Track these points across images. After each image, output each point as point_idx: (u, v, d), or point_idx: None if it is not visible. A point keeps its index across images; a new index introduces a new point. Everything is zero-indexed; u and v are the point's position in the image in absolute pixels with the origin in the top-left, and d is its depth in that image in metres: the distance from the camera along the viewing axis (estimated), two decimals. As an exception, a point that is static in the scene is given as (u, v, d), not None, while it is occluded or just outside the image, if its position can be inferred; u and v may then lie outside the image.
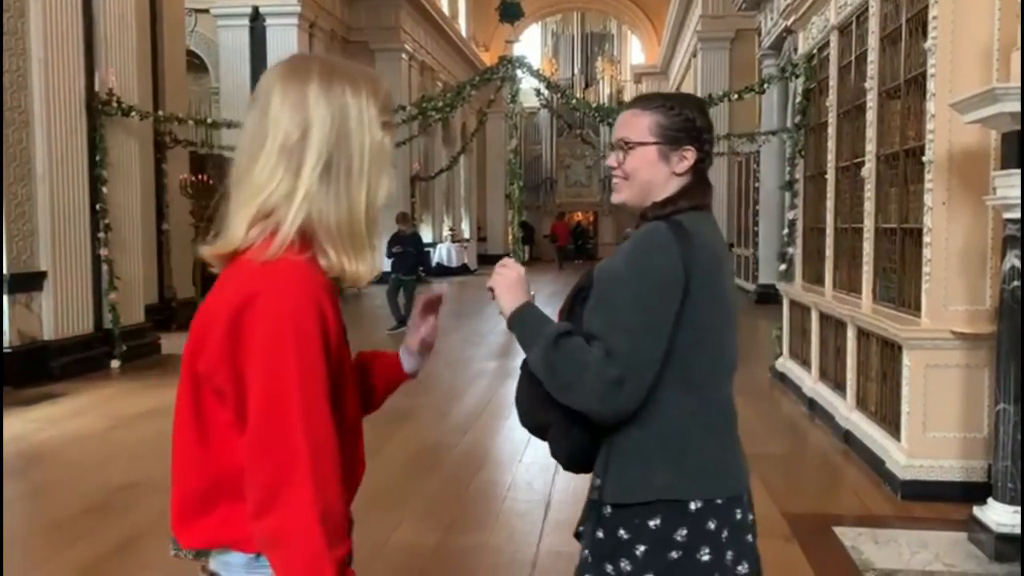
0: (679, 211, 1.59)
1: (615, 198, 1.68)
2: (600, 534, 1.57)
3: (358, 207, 1.22)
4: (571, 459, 1.65)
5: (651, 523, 1.53)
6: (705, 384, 1.59)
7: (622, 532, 1.55)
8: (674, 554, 1.52)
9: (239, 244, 1.19)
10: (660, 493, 1.54)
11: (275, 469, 1.11)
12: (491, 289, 1.62)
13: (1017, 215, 3.54)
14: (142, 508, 4.31)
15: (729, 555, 1.57)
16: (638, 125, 1.62)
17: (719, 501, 1.56)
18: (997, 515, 3.65)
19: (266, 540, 1.13)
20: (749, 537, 1.62)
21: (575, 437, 1.59)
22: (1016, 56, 3.69)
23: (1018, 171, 3.47)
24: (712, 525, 1.54)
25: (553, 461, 1.69)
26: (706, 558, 1.54)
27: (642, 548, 1.53)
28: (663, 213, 1.58)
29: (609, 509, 1.56)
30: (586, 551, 1.60)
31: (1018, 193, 3.47)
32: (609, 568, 1.56)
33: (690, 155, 1.61)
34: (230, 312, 1.13)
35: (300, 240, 1.19)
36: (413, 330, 1.56)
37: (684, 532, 1.53)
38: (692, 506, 1.54)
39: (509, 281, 1.62)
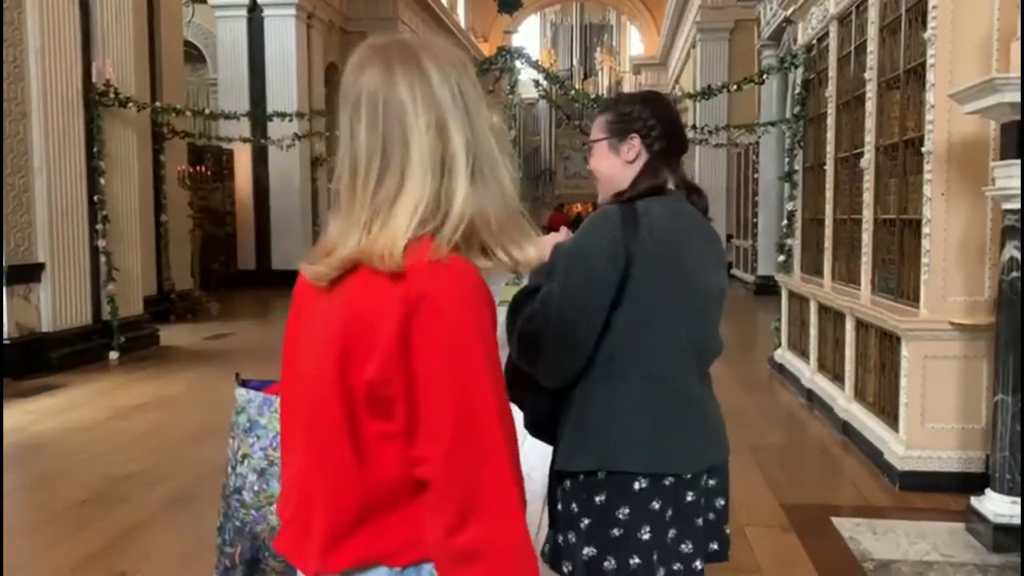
0: (637, 196, 1.71)
1: (600, 195, 1.85)
2: (559, 506, 1.72)
3: (510, 192, 1.13)
4: (535, 426, 1.81)
5: (597, 499, 1.65)
6: (652, 364, 1.67)
7: (573, 506, 1.67)
8: (616, 531, 1.63)
9: (404, 239, 1.05)
10: (599, 462, 1.64)
11: (476, 475, 1.03)
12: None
13: (1016, 206, 3.53)
14: (141, 499, 4.32)
15: (671, 533, 1.67)
16: (595, 127, 1.83)
17: (666, 483, 1.64)
18: (995, 505, 3.65)
19: (466, 554, 1.02)
20: (700, 520, 1.70)
21: (538, 406, 1.75)
22: (1016, 46, 3.68)
23: (1018, 162, 3.46)
24: (656, 505, 1.64)
25: (550, 448, 1.79)
26: (646, 536, 1.63)
27: (586, 522, 1.65)
28: (620, 200, 1.72)
29: (568, 484, 1.68)
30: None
31: (1017, 184, 3.46)
32: (559, 538, 1.71)
33: (636, 143, 1.78)
34: (399, 316, 1.02)
35: (457, 244, 1.08)
36: None
37: (627, 511, 1.63)
38: (636, 486, 1.63)
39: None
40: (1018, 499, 3.57)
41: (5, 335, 7.28)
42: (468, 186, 1.08)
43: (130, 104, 8.72)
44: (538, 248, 1.16)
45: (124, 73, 8.81)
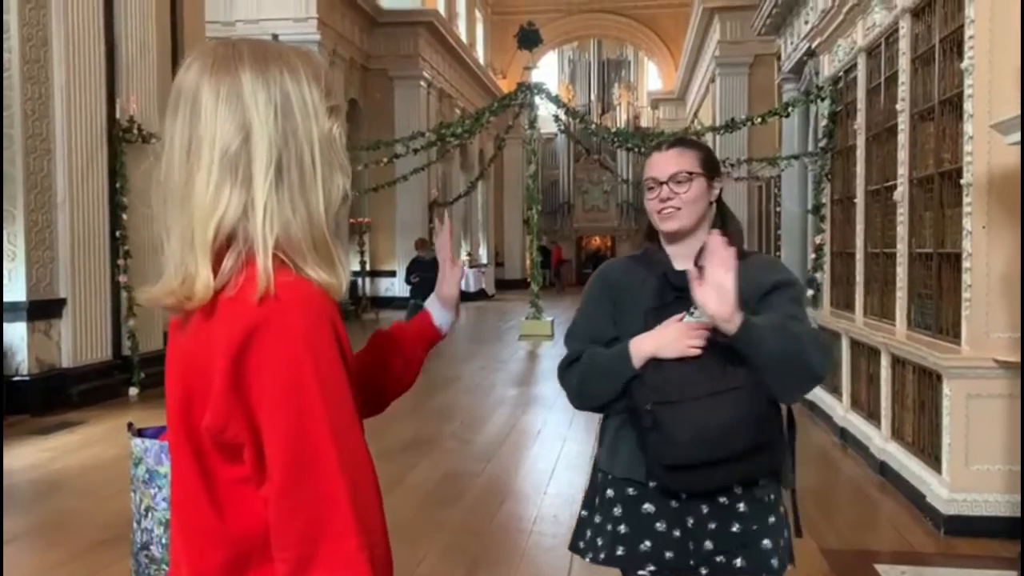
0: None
1: (671, 225, 1.85)
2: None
3: (318, 211, 1.03)
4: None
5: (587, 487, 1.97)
6: None
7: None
8: (583, 512, 1.95)
9: (213, 284, 0.99)
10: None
11: (311, 520, 0.95)
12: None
13: (1066, 239, 3.40)
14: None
15: (623, 528, 1.82)
16: (690, 159, 1.85)
17: (611, 476, 1.87)
18: (1048, 552, 3.48)
19: None
20: (659, 525, 1.80)
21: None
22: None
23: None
24: (610, 493, 1.86)
25: (578, 492, 1.81)
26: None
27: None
28: (742, 245, 1.84)
29: (772, 496, 1.83)
30: None
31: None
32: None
33: (718, 185, 1.89)
34: (229, 354, 0.96)
35: (276, 259, 1.01)
36: (444, 279, 1.49)
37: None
38: (599, 476, 1.91)
39: (730, 292, 1.63)
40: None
41: (26, 371, 7.24)
42: (271, 198, 1.00)
43: (153, 140, 8.75)
44: (340, 281, 1.05)
45: (148, 109, 8.86)
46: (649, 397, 1.70)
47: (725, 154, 11.51)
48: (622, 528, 1.81)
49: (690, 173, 1.82)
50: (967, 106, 4.24)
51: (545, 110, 14.02)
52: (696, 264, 1.74)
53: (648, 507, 1.79)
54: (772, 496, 1.81)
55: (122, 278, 8.32)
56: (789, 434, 1.80)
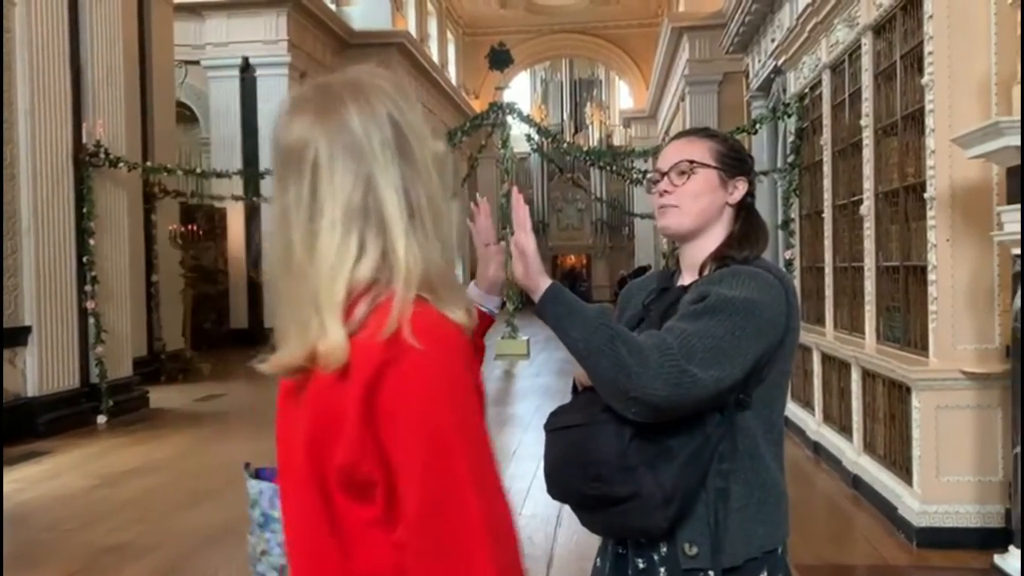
0: (756, 256, 1.53)
1: (666, 222, 1.57)
2: None
3: (449, 242, 1.01)
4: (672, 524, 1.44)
5: None
6: (779, 429, 1.55)
7: None
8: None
9: (345, 342, 0.94)
10: (763, 545, 1.47)
11: (449, 564, 0.92)
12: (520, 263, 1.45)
13: (1028, 251, 3.44)
14: (126, 572, 4.12)
15: None
16: (698, 149, 1.55)
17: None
18: (1019, 563, 3.50)
19: None
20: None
21: (675, 501, 1.40)
22: (1016, 90, 3.63)
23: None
24: (787, 561, 1.54)
25: (553, 513, 1.65)
26: None
27: None
28: (739, 259, 1.51)
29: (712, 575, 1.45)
30: None
31: (1028, 228, 3.38)
32: None
33: (741, 186, 1.57)
34: (360, 391, 0.93)
35: (417, 298, 0.97)
36: (489, 262, 1.45)
37: None
38: (779, 550, 1.51)
39: (532, 257, 1.44)
40: (1045, 556, 3.42)
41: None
42: (406, 241, 0.97)
43: (121, 164, 8.67)
44: (470, 316, 1.01)
45: (115, 133, 8.78)
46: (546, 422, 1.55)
47: (696, 171, 11.60)
48: None
49: (692, 163, 1.53)
50: (928, 121, 4.29)
51: (518, 129, 14.06)
52: (700, 274, 1.52)
53: (609, 546, 1.58)
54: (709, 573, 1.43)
55: (89, 304, 8.20)
56: (718, 503, 1.42)
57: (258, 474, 1.44)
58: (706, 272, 1.53)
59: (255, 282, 15.85)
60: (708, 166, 1.54)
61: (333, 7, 18.32)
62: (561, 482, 1.48)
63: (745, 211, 1.58)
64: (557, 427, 1.50)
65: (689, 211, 1.54)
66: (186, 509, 5.17)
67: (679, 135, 1.64)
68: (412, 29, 21.44)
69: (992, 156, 3.64)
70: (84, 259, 8.17)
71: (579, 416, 1.47)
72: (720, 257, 1.53)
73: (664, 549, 1.46)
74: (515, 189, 1.55)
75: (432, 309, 0.96)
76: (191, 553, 4.37)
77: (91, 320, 8.23)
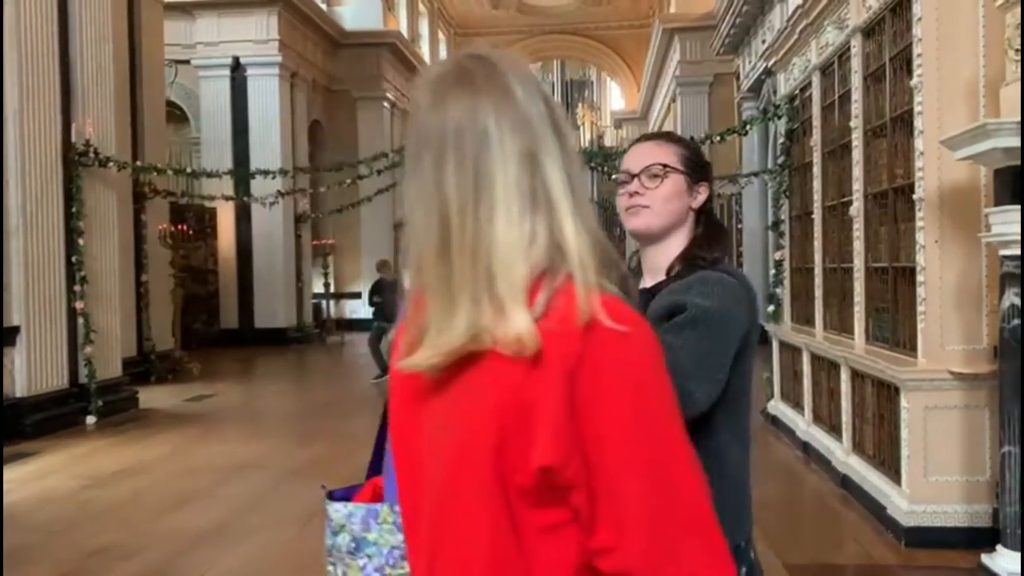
0: (720, 260, 1.57)
1: (635, 223, 1.60)
2: None
3: (594, 219, 0.96)
4: None
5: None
6: (745, 430, 1.58)
7: None
8: None
9: (533, 330, 0.87)
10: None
11: (684, 561, 0.87)
12: None
13: (1015, 252, 3.46)
14: (115, 574, 4.11)
15: None
16: (668, 153, 1.60)
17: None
18: (1007, 562, 3.52)
19: None
20: None
21: None
22: (1004, 91, 3.65)
23: (1014, 207, 3.40)
24: (752, 554, 1.56)
25: None
26: None
27: None
28: (710, 259, 1.55)
29: None
30: None
31: (1015, 229, 3.40)
32: None
33: (704, 191, 1.62)
34: (561, 382, 0.87)
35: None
36: None
37: (744, 570, 1.51)
38: (743, 544, 1.52)
39: None
40: (1032, 556, 3.44)
41: (-23, 401, 7.05)
42: (574, 221, 0.92)
43: (110, 163, 8.64)
44: None
45: (105, 132, 8.74)
46: None
47: (687, 172, 11.61)
48: None
49: (665, 166, 1.58)
50: (917, 123, 4.31)
51: (508, 130, 14.06)
52: (668, 275, 1.56)
53: None
54: None
55: (78, 304, 8.16)
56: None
57: (332, 496, 1.33)
58: (674, 273, 1.56)
59: (245, 282, 15.82)
60: (678, 171, 1.59)
61: (324, 7, 18.29)
62: None
63: (706, 215, 1.63)
64: None
65: (660, 213, 1.58)
66: (174, 510, 5.15)
67: (645, 138, 1.68)
68: (404, 29, 21.41)
69: (980, 158, 3.65)
70: (73, 259, 8.13)
71: None
72: (689, 257, 1.56)
73: None
74: None
75: (609, 295, 0.91)
76: (179, 555, 4.35)
77: (80, 320, 8.19)
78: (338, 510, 1.25)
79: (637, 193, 1.58)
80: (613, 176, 13.34)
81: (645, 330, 0.92)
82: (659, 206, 1.57)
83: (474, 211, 0.91)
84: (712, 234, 1.60)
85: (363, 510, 1.24)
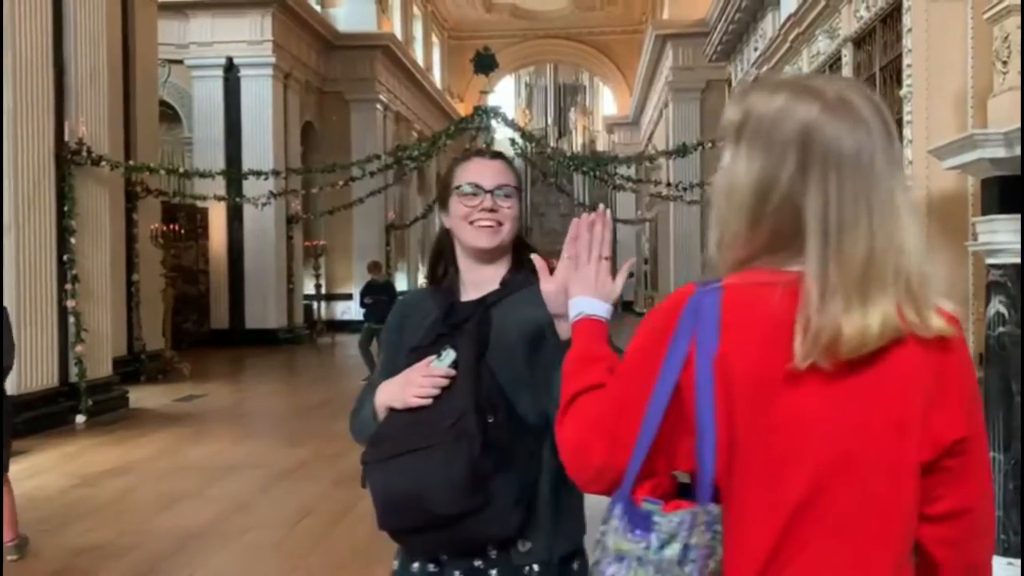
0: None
1: (494, 240, 1.63)
2: None
3: None
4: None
5: (574, 565, 1.58)
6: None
7: None
8: None
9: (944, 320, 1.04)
10: (579, 540, 1.60)
11: (991, 535, 1.14)
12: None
13: (1002, 260, 3.51)
14: (105, 573, 4.11)
15: None
16: (514, 177, 1.69)
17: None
18: (994, 568, 3.55)
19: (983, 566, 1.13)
20: None
21: (523, 500, 1.47)
22: (992, 102, 3.70)
23: (1001, 217, 3.45)
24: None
25: None
26: None
27: None
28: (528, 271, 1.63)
29: (536, 568, 1.52)
30: None
31: (1002, 238, 3.45)
32: None
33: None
34: (968, 365, 1.06)
35: None
36: (605, 274, 1.36)
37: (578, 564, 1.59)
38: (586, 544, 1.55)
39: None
40: (1017, 560, 3.48)
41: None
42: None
43: (103, 163, 8.63)
44: None
45: (98, 132, 8.73)
46: (364, 454, 1.51)
47: (679, 177, 11.66)
48: None
49: (517, 189, 1.67)
50: (906, 132, 4.37)
51: (502, 134, 14.12)
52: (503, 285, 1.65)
53: (415, 567, 1.57)
54: (536, 568, 1.50)
55: (70, 303, 8.15)
56: (552, 493, 1.51)
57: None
58: (514, 281, 1.62)
59: (236, 283, 15.80)
60: (519, 194, 1.68)
61: (318, 8, 18.31)
62: (412, 508, 1.45)
63: (517, 237, 1.70)
64: (395, 454, 1.47)
65: (510, 232, 1.65)
66: (164, 510, 5.16)
67: (491, 156, 1.73)
68: (397, 32, 21.45)
69: (967, 168, 3.70)
70: (65, 258, 8.12)
71: (418, 439, 1.45)
72: (524, 269, 1.64)
73: (493, 553, 1.49)
74: (601, 206, 1.54)
75: None
76: (168, 554, 4.36)
77: (71, 319, 8.18)
78: (670, 520, 1.14)
79: (494, 210, 1.62)
80: (605, 181, 13.39)
81: None
82: (509, 225, 1.64)
83: (891, 205, 1.03)
84: (527, 255, 1.63)
85: (690, 516, 1.16)
